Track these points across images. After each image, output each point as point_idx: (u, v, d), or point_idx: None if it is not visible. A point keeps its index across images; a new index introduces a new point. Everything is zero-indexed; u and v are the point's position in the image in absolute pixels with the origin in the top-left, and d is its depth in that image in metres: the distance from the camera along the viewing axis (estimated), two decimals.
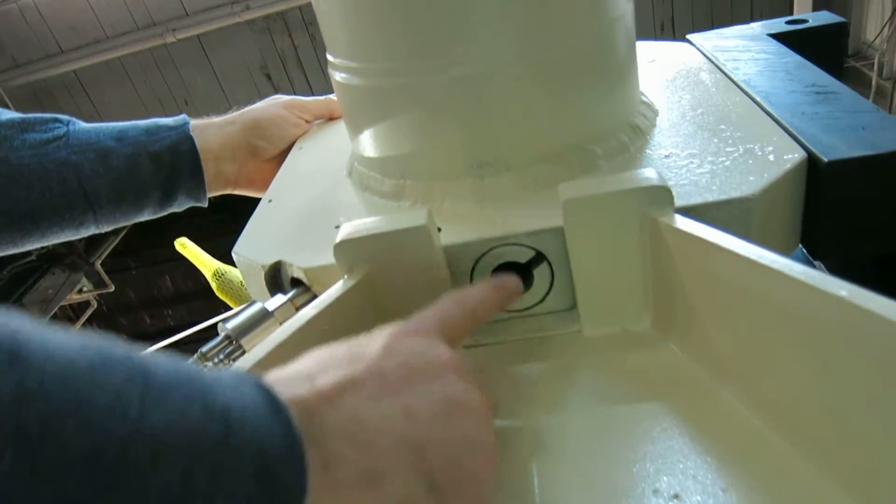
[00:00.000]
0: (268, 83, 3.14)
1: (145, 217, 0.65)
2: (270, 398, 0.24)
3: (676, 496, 0.32)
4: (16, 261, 3.56)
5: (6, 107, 0.62)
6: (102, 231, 0.63)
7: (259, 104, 0.71)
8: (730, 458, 0.33)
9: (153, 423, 0.19)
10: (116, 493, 0.18)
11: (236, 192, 0.71)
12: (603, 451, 0.35)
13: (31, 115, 0.58)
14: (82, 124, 0.61)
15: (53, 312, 3.53)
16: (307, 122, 0.74)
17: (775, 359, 0.33)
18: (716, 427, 0.35)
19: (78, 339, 0.20)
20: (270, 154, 0.69)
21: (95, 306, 4.04)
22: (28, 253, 3.57)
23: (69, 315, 4.08)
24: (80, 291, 3.79)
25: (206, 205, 0.67)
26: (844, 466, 0.30)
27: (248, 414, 0.22)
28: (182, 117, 0.65)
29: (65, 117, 0.60)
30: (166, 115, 0.65)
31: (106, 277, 3.69)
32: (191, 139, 0.63)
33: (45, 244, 0.61)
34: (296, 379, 0.28)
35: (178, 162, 0.62)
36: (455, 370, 0.33)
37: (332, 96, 0.75)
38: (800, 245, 0.48)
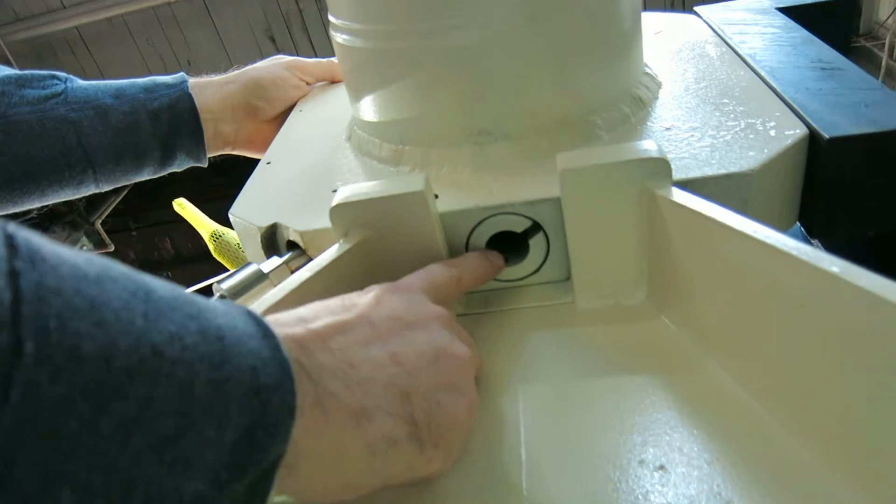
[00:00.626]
0: (272, 46, 3.11)
1: (145, 176, 0.65)
2: (261, 325, 0.25)
3: (662, 467, 0.32)
4: (16, 218, 3.56)
5: (7, 62, 0.62)
6: (102, 190, 0.63)
7: (260, 64, 0.71)
8: (717, 432, 0.33)
9: (156, 336, 0.20)
10: (125, 401, 0.19)
11: (235, 153, 0.70)
12: (590, 421, 0.36)
13: (28, 72, 0.58)
14: (80, 82, 0.60)
15: None
16: (308, 84, 0.73)
17: (767, 334, 0.33)
18: (705, 401, 0.35)
19: (82, 253, 0.21)
20: (270, 115, 0.69)
21: None
22: (28, 211, 3.57)
23: None
24: (81, 250, 3.80)
25: (205, 164, 0.67)
26: (831, 442, 0.30)
27: (241, 337, 0.23)
28: (181, 75, 0.64)
29: (62, 74, 0.60)
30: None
31: (106, 237, 3.69)
32: (190, 97, 0.62)
33: (44, 203, 0.61)
34: (290, 320, 0.29)
35: (176, 120, 0.62)
36: (441, 322, 0.35)
37: (335, 59, 0.74)
38: (797, 223, 0.48)
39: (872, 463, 0.28)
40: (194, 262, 3.82)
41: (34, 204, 0.59)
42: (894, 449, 0.27)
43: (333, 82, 0.75)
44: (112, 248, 3.79)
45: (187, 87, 0.63)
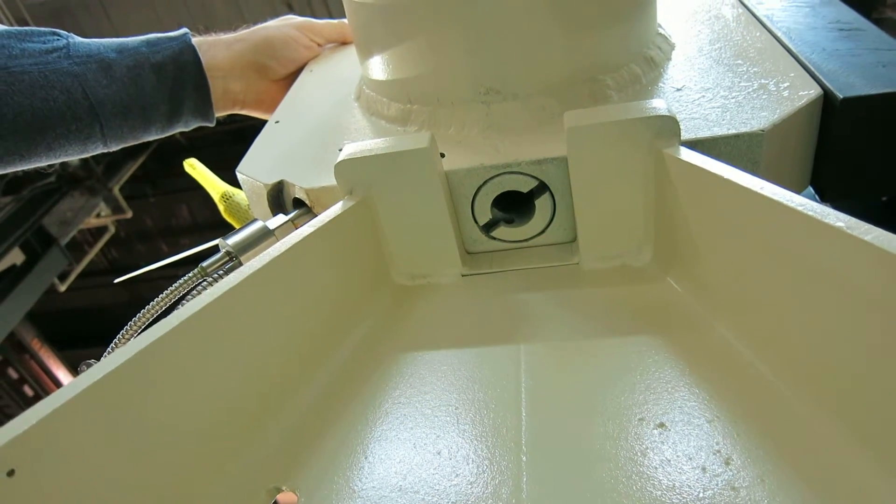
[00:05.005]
0: (288, 13, 3.09)
1: (154, 135, 0.65)
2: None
3: (662, 425, 0.32)
4: (36, 181, 3.60)
5: (26, 24, 0.62)
6: (111, 149, 0.63)
7: (271, 23, 0.70)
8: (719, 392, 0.33)
9: None
10: None
11: (244, 112, 0.70)
12: (591, 380, 0.35)
13: (27, 28, 0.58)
14: (81, 39, 0.60)
15: (73, 235, 3.58)
16: (319, 45, 0.73)
17: (772, 293, 0.32)
18: (707, 361, 0.35)
19: None
20: (279, 74, 0.68)
21: (113, 231, 4.10)
22: (47, 175, 3.61)
23: (87, 239, 4.13)
24: (99, 216, 3.84)
25: (213, 123, 0.67)
26: (834, 400, 0.30)
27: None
28: (183, 30, 0.64)
29: (63, 32, 0.60)
30: None
31: (124, 203, 3.72)
32: (193, 49, 0.62)
33: (53, 160, 0.61)
34: None
35: (181, 72, 0.62)
36: None
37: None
38: (810, 187, 0.47)
39: (875, 421, 0.28)
40: (211, 229, 3.85)
41: (42, 159, 0.59)
42: None
43: (344, 44, 0.74)
44: (130, 215, 3.82)
45: (189, 40, 0.63)
